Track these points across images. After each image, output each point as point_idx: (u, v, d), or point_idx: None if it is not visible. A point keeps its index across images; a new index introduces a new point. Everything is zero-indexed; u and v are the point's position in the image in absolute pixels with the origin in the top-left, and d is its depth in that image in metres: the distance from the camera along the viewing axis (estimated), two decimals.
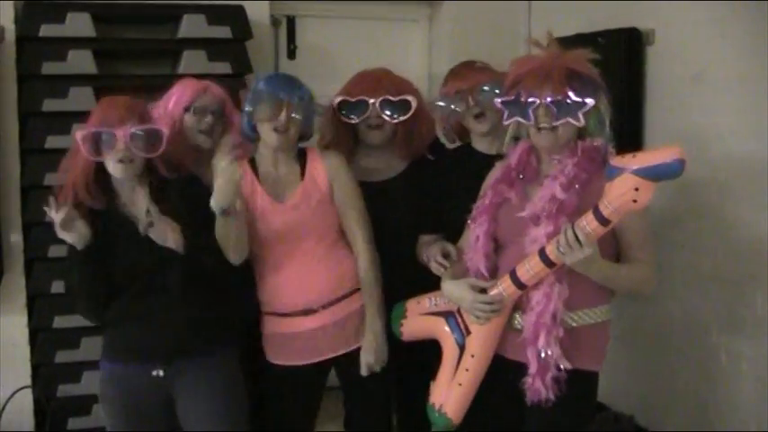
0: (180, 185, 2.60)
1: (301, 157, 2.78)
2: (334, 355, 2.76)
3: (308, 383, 2.81)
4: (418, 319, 2.66)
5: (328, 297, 2.74)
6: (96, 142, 2.50)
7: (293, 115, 2.65)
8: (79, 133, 2.50)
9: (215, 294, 2.64)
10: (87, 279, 2.53)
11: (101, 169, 2.54)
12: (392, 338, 2.76)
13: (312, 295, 2.72)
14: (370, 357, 2.71)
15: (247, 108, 2.72)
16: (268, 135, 2.68)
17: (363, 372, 2.72)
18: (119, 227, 2.55)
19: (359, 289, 2.78)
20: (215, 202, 2.48)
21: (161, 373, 2.58)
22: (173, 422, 2.68)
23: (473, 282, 2.45)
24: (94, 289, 2.54)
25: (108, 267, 2.53)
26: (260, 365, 2.83)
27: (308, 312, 2.72)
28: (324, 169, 2.76)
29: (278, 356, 2.78)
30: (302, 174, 2.75)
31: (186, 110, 2.90)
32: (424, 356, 2.65)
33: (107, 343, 2.67)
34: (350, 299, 2.77)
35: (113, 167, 2.51)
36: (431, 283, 2.64)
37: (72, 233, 2.45)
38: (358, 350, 2.75)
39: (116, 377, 2.62)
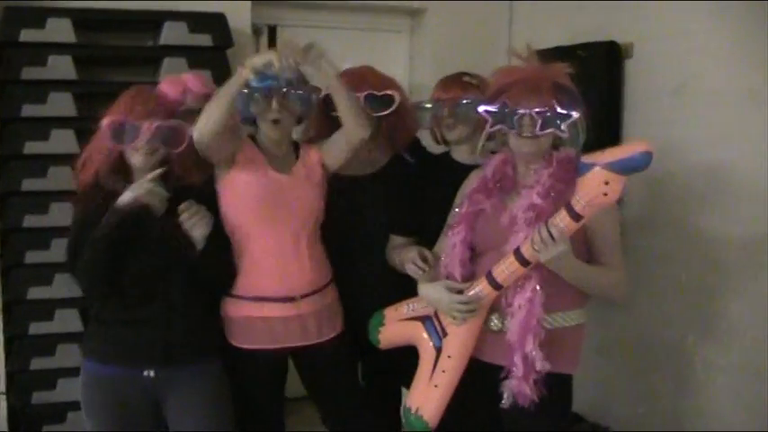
0: (195, 192, 2.65)
1: (295, 149, 2.87)
2: (303, 343, 2.79)
3: (274, 367, 2.84)
4: (396, 326, 2.68)
5: (308, 288, 2.78)
6: (120, 132, 2.53)
7: (284, 95, 2.70)
8: (106, 120, 2.54)
9: (210, 303, 2.70)
10: (111, 256, 2.53)
11: (122, 157, 2.59)
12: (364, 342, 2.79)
13: (295, 284, 2.75)
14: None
15: (242, 103, 2.73)
16: (267, 127, 2.76)
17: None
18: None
19: (331, 281, 2.87)
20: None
21: (152, 373, 2.59)
22: (158, 425, 2.68)
23: (449, 284, 2.48)
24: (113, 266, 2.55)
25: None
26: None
27: (287, 300, 2.75)
28: (317, 155, 2.85)
29: (246, 340, 2.77)
30: (297, 159, 2.84)
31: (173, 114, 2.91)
32: (393, 359, 2.73)
33: (96, 344, 2.65)
34: (324, 291, 2.84)
35: (133, 157, 2.56)
36: (402, 281, 2.69)
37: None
38: (321, 346, 2.81)
39: (103, 379, 2.62)
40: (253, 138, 2.85)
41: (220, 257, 2.70)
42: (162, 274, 2.58)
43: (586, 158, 2.20)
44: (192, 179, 2.66)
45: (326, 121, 2.94)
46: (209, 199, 2.72)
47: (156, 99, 2.63)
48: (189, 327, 2.62)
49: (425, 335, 2.55)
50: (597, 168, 2.15)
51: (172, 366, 2.61)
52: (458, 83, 2.91)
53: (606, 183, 2.14)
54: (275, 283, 2.75)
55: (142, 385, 2.60)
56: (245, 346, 2.77)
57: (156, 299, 2.58)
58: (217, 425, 2.68)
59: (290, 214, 2.75)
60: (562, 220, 2.23)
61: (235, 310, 2.78)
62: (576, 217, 2.21)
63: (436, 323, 2.54)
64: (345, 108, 2.72)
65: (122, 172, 2.61)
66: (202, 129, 2.59)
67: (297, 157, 2.85)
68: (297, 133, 2.98)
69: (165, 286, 2.59)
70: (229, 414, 2.72)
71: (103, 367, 2.61)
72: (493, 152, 2.64)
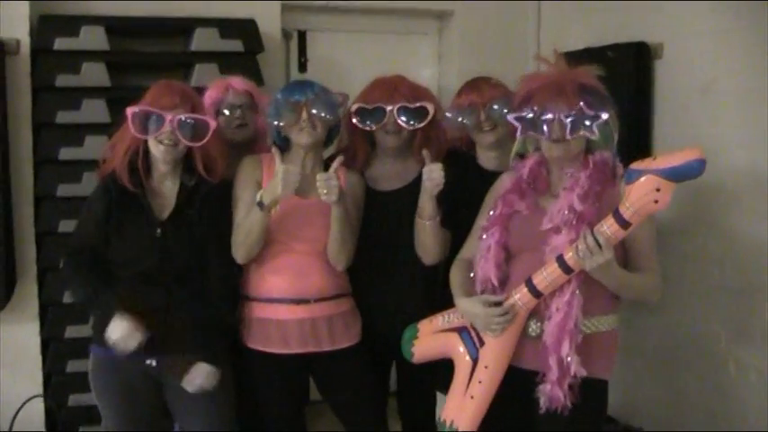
0: (209, 190, 2.70)
1: (326, 167, 2.84)
2: (317, 349, 2.79)
3: (290, 373, 2.83)
4: (430, 338, 2.65)
5: (322, 292, 2.80)
6: (145, 121, 2.58)
7: (313, 111, 2.73)
8: (130, 109, 2.59)
9: (212, 294, 2.73)
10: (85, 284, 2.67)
11: (145, 150, 2.65)
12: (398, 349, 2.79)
13: (308, 287, 2.77)
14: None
15: (272, 121, 2.79)
16: (298, 136, 2.77)
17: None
18: (136, 213, 2.64)
19: (349, 294, 2.89)
20: (263, 194, 2.63)
21: (154, 362, 2.65)
22: (165, 405, 2.77)
23: (486, 298, 2.45)
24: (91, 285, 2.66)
25: (112, 251, 2.65)
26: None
27: (300, 302, 2.77)
28: (343, 179, 2.83)
29: (260, 342, 2.79)
30: None
31: (217, 113, 3.03)
32: (427, 364, 2.71)
33: (101, 330, 2.67)
34: (341, 299, 2.86)
35: (156, 148, 2.62)
36: (432, 291, 2.73)
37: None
38: (335, 354, 2.81)
39: (108, 362, 2.68)
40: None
41: (223, 253, 2.74)
42: (162, 271, 2.64)
43: (636, 165, 2.17)
44: (216, 171, 2.72)
45: (358, 131, 2.92)
46: (223, 197, 2.78)
47: (183, 92, 2.67)
48: (188, 318, 2.66)
49: (461, 347, 2.51)
50: (649, 175, 2.12)
51: (172, 354, 2.65)
52: (488, 85, 2.88)
53: (657, 190, 2.11)
54: (289, 284, 2.77)
55: (145, 370, 2.66)
56: (258, 348, 2.79)
57: (155, 290, 2.63)
58: (216, 415, 2.73)
59: (306, 234, 2.78)
60: (609, 227, 2.20)
61: (249, 311, 2.81)
62: (624, 224, 2.18)
63: (473, 333, 2.50)
64: (334, 234, 2.74)
65: (140, 169, 2.67)
66: (244, 257, 2.75)
67: None
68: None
69: (165, 279, 2.64)
70: (231, 406, 2.78)
71: (108, 351, 2.65)
72: (521, 156, 2.62)
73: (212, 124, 2.65)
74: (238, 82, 3.13)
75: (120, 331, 2.54)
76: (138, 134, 2.60)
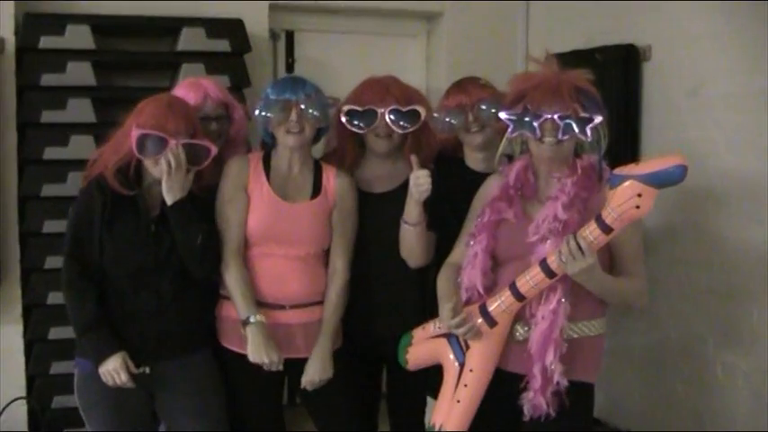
0: (203, 197, 2.70)
1: (317, 169, 2.84)
2: (288, 356, 2.74)
3: (264, 375, 2.76)
4: (423, 345, 2.64)
5: (301, 299, 2.77)
6: (146, 142, 2.55)
7: (302, 107, 2.70)
8: (136, 131, 2.55)
9: (200, 298, 2.73)
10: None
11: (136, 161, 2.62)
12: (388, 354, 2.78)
13: (286, 293, 2.76)
14: (316, 376, 2.75)
15: (260, 116, 2.76)
16: (284, 138, 2.74)
17: (305, 385, 2.77)
18: (130, 211, 2.62)
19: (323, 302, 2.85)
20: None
21: (147, 370, 2.64)
22: (153, 416, 2.75)
23: (452, 305, 2.43)
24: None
25: (104, 253, 2.60)
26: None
27: (277, 307, 2.75)
28: (334, 185, 2.82)
29: (236, 343, 2.74)
30: (315, 185, 2.82)
31: None
32: (411, 373, 2.71)
33: (93, 352, 2.65)
34: (317, 307, 2.81)
35: (153, 168, 2.60)
36: (421, 295, 2.70)
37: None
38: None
39: (97, 375, 2.62)
40: (267, 156, 2.83)
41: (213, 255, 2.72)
42: (155, 269, 2.62)
43: (619, 170, 2.17)
44: (202, 180, 2.70)
45: (347, 132, 2.89)
46: (208, 205, 2.76)
47: (187, 115, 2.64)
48: (180, 320, 2.65)
49: (449, 353, 2.50)
50: (631, 181, 2.11)
51: (164, 360, 2.65)
52: (476, 85, 2.85)
53: (639, 195, 2.10)
54: (266, 288, 2.75)
55: (138, 380, 2.62)
56: (232, 348, 2.76)
57: (147, 292, 2.62)
58: (207, 415, 2.71)
59: (289, 238, 2.76)
60: (591, 232, 2.19)
61: (227, 310, 2.78)
62: (606, 230, 2.17)
63: (460, 339, 2.48)
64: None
65: (131, 176, 2.64)
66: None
67: (315, 180, 2.83)
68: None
69: (157, 280, 2.63)
70: (221, 405, 2.75)
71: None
72: (509, 157, 2.61)
73: (213, 150, 2.63)
74: (214, 90, 3.00)
75: (112, 365, 2.57)
76: (138, 155, 2.58)
